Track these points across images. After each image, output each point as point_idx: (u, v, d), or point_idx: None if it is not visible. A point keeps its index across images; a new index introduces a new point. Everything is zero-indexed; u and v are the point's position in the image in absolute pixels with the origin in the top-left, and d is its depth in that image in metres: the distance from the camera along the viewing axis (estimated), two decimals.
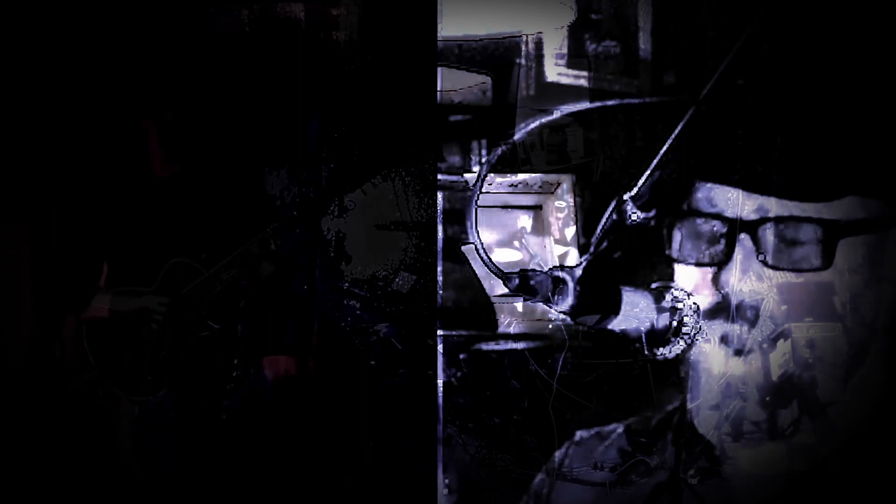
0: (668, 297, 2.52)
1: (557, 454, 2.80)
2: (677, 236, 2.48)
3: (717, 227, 2.39)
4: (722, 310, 2.43)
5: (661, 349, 2.54)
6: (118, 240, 3.28)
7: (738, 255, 2.37)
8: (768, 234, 2.33)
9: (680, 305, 2.50)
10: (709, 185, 2.40)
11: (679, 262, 2.49)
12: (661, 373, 2.75)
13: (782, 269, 2.34)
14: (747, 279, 2.37)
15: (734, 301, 2.40)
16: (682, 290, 2.51)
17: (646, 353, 2.56)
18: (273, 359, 3.46)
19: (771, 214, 2.31)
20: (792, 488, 2.50)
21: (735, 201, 2.35)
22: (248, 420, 3.43)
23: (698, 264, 2.45)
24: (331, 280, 3.31)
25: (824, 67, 2.36)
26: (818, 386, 2.42)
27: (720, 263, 2.41)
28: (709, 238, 2.42)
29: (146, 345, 3.25)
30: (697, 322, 2.52)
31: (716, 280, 2.42)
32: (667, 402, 2.76)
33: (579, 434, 2.78)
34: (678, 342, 2.53)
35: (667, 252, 2.52)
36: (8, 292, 3.40)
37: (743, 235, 2.35)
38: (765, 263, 2.35)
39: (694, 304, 2.51)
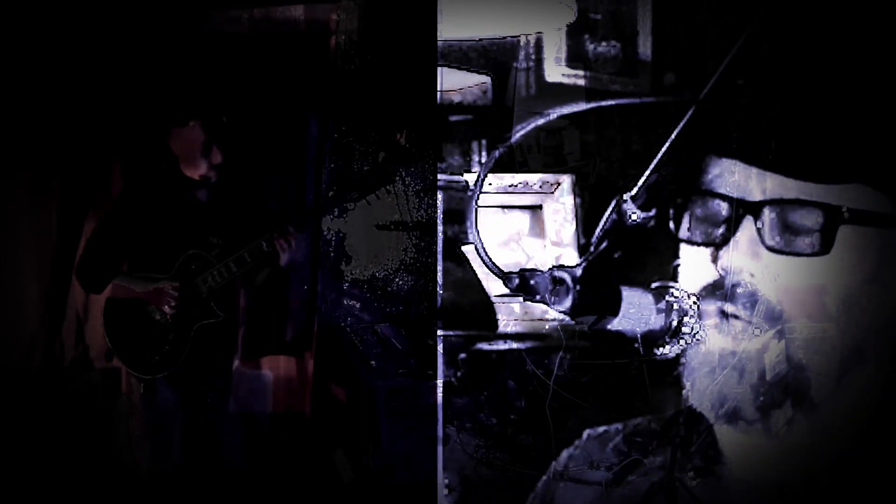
0: (668, 296, 2.53)
1: (564, 452, 2.81)
2: (686, 217, 2.49)
3: (723, 207, 2.40)
4: (719, 288, 2.44)
5: (660, 349, 2.55)
6: (143, 232, 3.40)
7: (739, 235, 2.38)
8: (770, 216, 2.34)
9: (680, 305, 2.52)
10: (718, 160, 2.41)
11: (686, 242, 2.50)
12: (657, 373, 2.76)
13: (781, 252, 2.35)
14: (745, 259, 2.38)
15: (731, 281, 2.41)
16: (682, 290, 2.52)
17: (642, 353, 2.57)
18: (273, 359, 3.48)
19: (775, 196, 2.33)
20: (785, 487, 2.51)
21: (740, 181, 2.36)
22: (248, 419, 3.44)
23: (704, 244, 2.46)
24: (331, 280, 3.32)
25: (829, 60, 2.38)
26: (811, 386, 2.43)
27: (721, 244, 2.42)
28: (714, 219, 2.42)
29: (157, 326, 3.36)
30: (697, 322, 2.54)
31: (715, 259, 2.43)
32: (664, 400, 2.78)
33: (587, 433, 2.79)
34: (677, 342, 2.54)
35: (671, 230, 2.52)
36: (9, 292, 3.40)
37: (747, 217, 2.36)
38: (766, 246, 2.36)
39: (694, 303, 2.52)
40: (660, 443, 2.68)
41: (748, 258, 2.39)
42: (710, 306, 2.47)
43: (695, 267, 2.49)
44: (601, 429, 2.80)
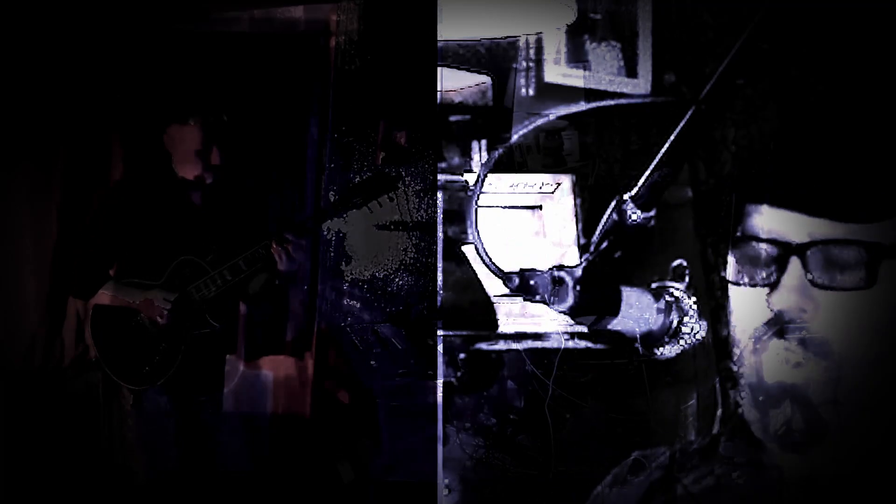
0: (669, 296, 2.53)
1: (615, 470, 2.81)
2: (732, 260, 2.50)
3: (767, 250, 2.42)
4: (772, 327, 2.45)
5: (660, 349, 2.55)
6: (134, 234, 3.32)
7: (787, 276, 2.39)
8: (815, 256, 2.36)
9: (680, 305, 2.52)
10: (758, 207, 2.43)
11: (735, 284, 2.51)
12: (656, 373, 2.76)
13: (829, 289, 2.36)
14: (795, 298, 2.39)
15: (784, 319, 2.41)
16: (682, 289, 2.52)
17: (642, 353, 2.57)
18: (273, 359, 3.46)
19: (817, 237, 2.34)
20: (784, 488, 2.50)
21: (782, 224, 2.38)
22: (247, 420, 3.43)
23: (753, 285, 2.47)
24: (331, 280, 3.31)
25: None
26: (810, 386, 2.42)
27: (772, 285, 2.43)
28: (761, 261, 2.44)
29: (147, 336, 3.28)
30: (697, 322, 2.54)
31: (768, 300, 2.44)
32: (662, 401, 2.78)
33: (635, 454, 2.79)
34: (677, 342, 2.55)
35: (721, 274, 2.54)
36: (9, 292, 3.39)
37: (792, 258, 2.38)
38: (813, 283, 2.37)
39: (694, 303, 2.52)
40: (703, 462, 2.68)
41: (798, 297, 2.40)
42: (768, 344, 2.48)
43: (747, 307, 2.50)
44: (648, 451, 2.80)
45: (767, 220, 2.42)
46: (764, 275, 2.42)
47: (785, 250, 2.37)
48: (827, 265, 2.34)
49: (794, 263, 2.37)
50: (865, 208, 2.32)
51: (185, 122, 3.26)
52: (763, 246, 2.41)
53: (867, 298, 2.35)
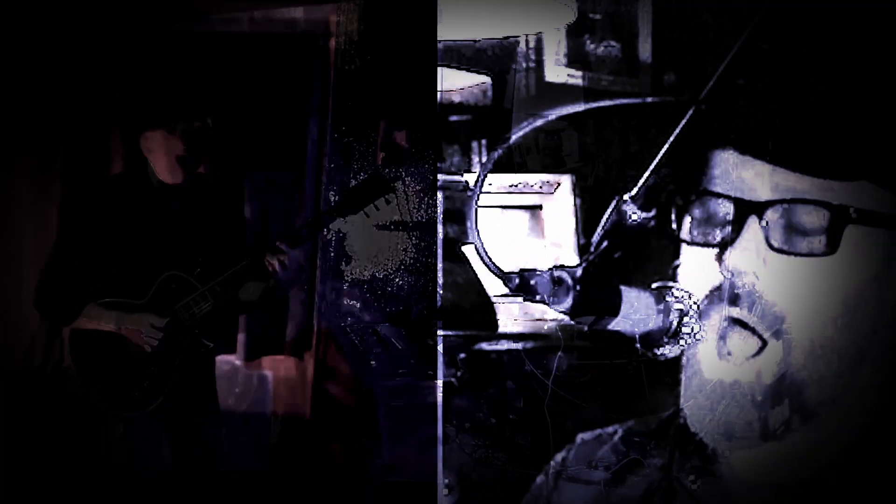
0: (669, 297, 2.54)
1: (558, 455, 2.81)
2: (688, 218, 2.49)
3: (725, 208, 2.41)
4: (724, 291, 2.45)
5: (659, 349, 2.56)
6: (113, 247, 3.15)
7: (743, 236, 2.38)
8: (775, 217, 2.35)
9: (680, 306, 2.53)
10: (720, 158, 2.41)
11: (689, 243, 2.50)
12: (655, 373, 2.77)
13: (787, 253, 2.35)
14: (750, 261, 2.38)
15: (736, 283, 2.41)
16: (683, 290, 2.53)
17: (642, 353, 2.57)
18: (273, 359, 3.46)
19: (779, 196, 2.33)
20: (782, 488, 2.51)
21: (743, 180, 2.37)
22: (246, 421, 3.43)
23: (707, 245, 2.46)
24: (331, 280, 3.31)
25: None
26: (810, 385, 2.43)
27: (725, 245, 2.42)
28: (717, 220, 2.43)
29: (135, 360, 3.13)
30: (698, 322, 2.54)
31: (720, 261, 2.43)
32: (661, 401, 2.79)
33: (580, 437, 2.79)
34: (676, 343, 2.55)
35: (674, 231, 2.53)
36: (9, 292, 3.39)
37: (751, 217, 2.36)
38: (770, 246, 2.36)
39: (695, 303, 2.52)
40: (657, 444, 2.69)
41: (753, 259, 2.39)
42: (715, 309, 2.47)
43: (699, 269, 2.49)
44: (596, 432, 2.80)
45: (730, 174, 2.41)
46: (720, 234, 2.42)
47: (745, 209, 2.36)
48: (788, 227, 2.33)
49: (752, 224, 2.36)
50: (837, 164, 2.30)
51: (174, 127, 3.08)
52: (721, 203, 2.40)
53: (825, 265, 2.34)
